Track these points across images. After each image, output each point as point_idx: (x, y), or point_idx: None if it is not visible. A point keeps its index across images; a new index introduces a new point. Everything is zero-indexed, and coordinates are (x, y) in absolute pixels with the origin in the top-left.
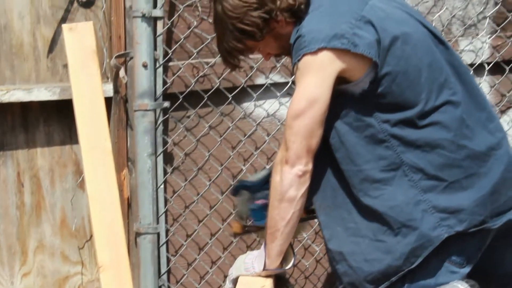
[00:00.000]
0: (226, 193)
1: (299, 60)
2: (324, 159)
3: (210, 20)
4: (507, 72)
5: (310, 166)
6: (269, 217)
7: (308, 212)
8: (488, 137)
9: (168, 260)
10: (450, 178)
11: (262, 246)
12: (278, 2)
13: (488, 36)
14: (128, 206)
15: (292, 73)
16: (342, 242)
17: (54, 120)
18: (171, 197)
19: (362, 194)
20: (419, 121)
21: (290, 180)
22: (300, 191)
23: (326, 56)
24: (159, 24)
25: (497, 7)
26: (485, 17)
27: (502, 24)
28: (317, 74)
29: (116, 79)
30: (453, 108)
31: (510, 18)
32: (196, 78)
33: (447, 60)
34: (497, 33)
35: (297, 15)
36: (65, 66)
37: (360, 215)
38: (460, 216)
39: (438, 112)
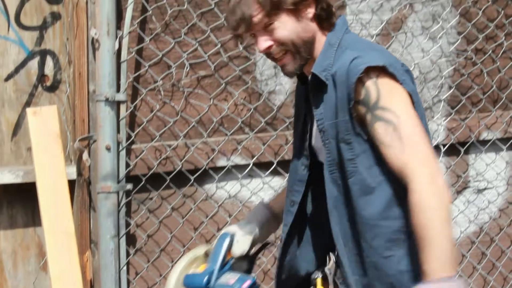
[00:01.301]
0: None
1: (362, 73)
2: (344, 204)
3: (172, 103)
4: (462, 153)
5: None
6: (445, 240)
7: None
8: None
9: None
10: None
11: None
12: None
13: (443, 118)
14: None
15: (349, 97)
16: None
17: (18, 202)
18: (134, 279)
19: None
20: None
21: (448, 195)
22: None
23: (392, 78)
24: (122, 107)
25: (451, 90)
26: (440, 100)
27: (457, 107)
28: (403, 97)
29: (79, 161)
30: None
31: (464, 101)
32: (158, 161)
33: None
34: (451, 115)
35: (322, 22)
36: (29, 149)
37: None
38: None
39: None
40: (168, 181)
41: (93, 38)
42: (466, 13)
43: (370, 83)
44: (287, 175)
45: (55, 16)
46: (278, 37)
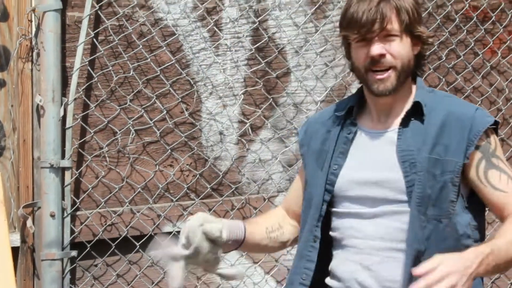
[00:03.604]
0: None
1: (491, 125)
2: None
3: (118, 169)
4: None
5: None
6: (507, 254)
7: None
8: None
9: None
10: None
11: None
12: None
13: None
14: None
15: (471, 142)
16: None
17: None
18: None
19: None
20: None
21: None
22: None
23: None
24: (67, 174)
25: None
26: None
27: None
28: None
29: (23, 228)
30: None
31: None
32: (104, 227)
33: None
34: None
35: (417, 63)
36: None
37: None
38: None
39: None
40: (113, 247)
41: (38, 105)
42: None
43: (489, 133)
44: None
45: (0, 83)
46: (396, 50)
